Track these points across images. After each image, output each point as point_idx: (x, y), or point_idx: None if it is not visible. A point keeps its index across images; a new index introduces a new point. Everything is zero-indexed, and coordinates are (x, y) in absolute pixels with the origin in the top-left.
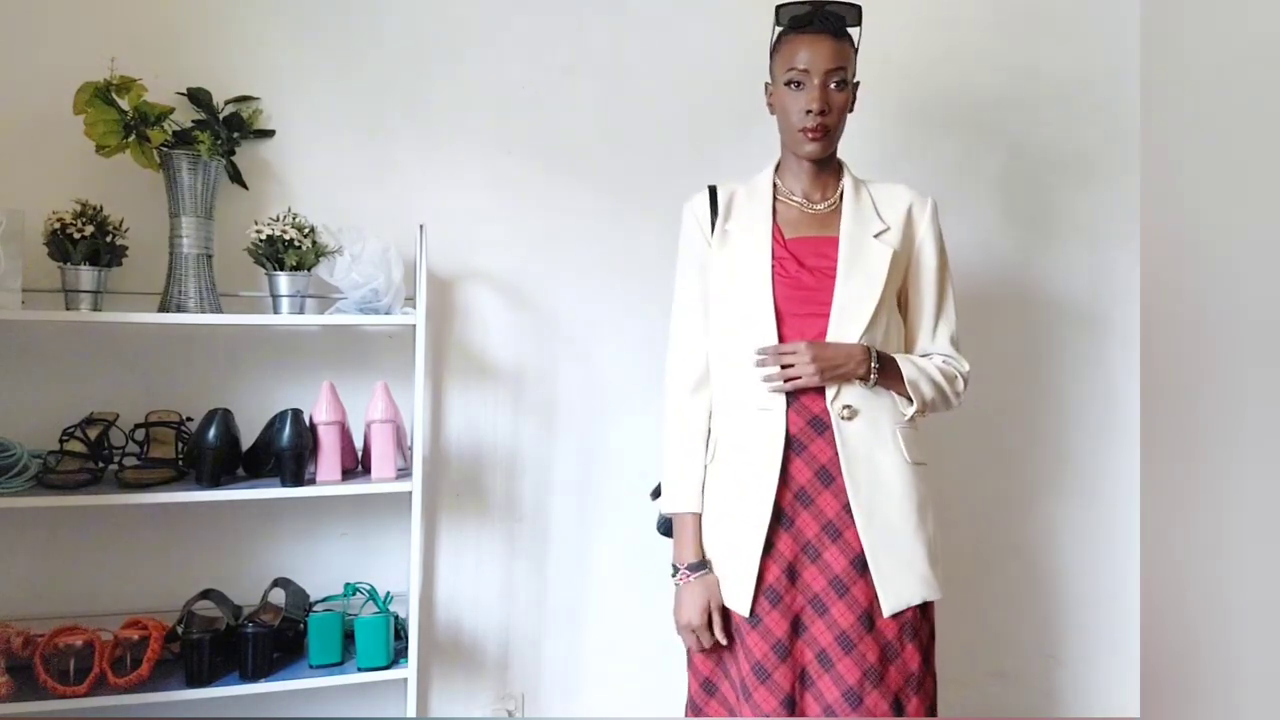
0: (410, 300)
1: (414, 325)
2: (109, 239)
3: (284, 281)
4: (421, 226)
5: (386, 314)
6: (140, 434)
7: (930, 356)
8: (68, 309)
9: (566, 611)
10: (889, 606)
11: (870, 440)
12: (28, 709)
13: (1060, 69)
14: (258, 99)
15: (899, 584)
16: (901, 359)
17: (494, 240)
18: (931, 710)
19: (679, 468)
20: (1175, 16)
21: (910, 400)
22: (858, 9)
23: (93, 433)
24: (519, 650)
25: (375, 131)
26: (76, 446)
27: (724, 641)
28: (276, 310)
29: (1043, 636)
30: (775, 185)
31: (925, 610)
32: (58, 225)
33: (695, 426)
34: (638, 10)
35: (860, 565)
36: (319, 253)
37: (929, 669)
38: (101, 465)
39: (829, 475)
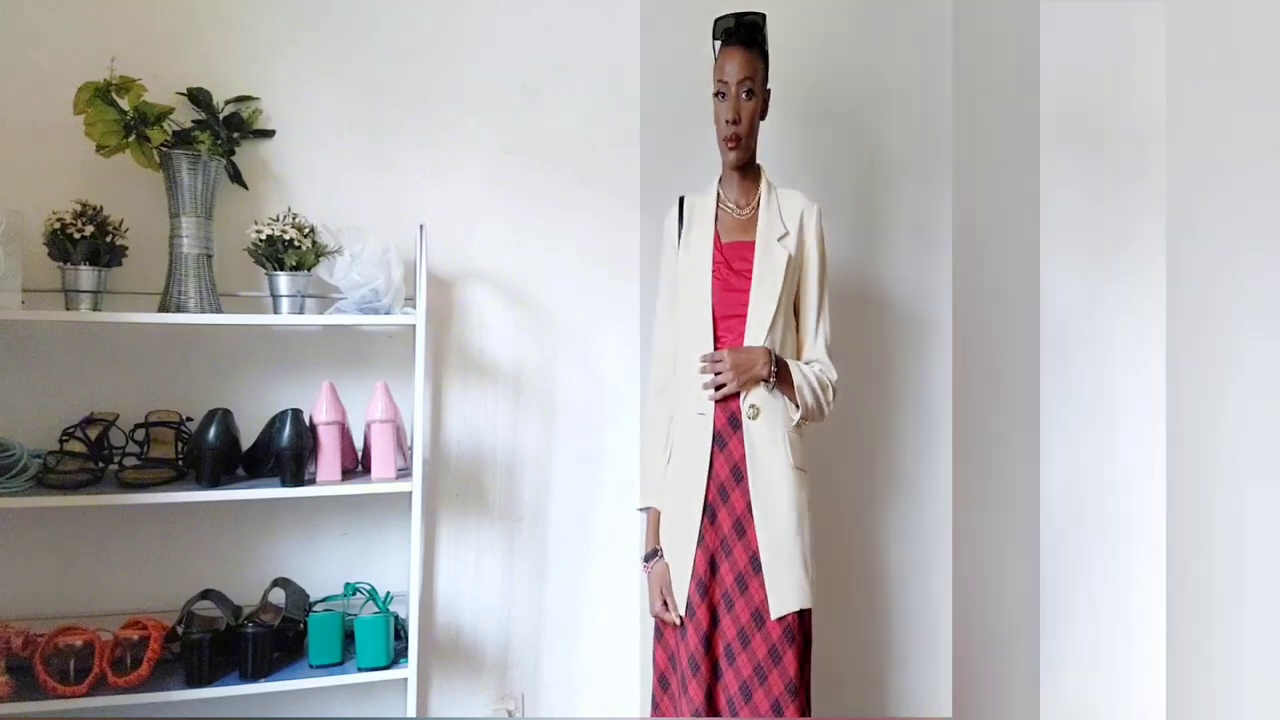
0: (410, 300)
1: (414, 325)
2: (109, 239)
3: (284, 281)
4: (421, 226)
5: (386, 314)
6: (140, 434)
7: (811, 364)
8: (68, 309)
9: (566, 611)
10: (775, 609)
11: (768, 442)
12: (28, 709)
13: (884, 73)
14: (258, 99)
15: (784, 588)
16: (792, 364)
17: (494, 240)
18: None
19: (644, 467)
20: (984, 26)
21: (797, 405)
22: (762, 17)
23: (93, 433)
24: (519, 650)
25: (375, 131)
26: (76, 446)
27: (676, 620)
28: (276, 310)
29: (872, 637)
30: (719, 194)
31: (803, 618)
32: (58, 225)
33: (656, 428)
34: (637, 10)
35: (756, 564)
36: (319, 253)
37: (804, 679)
38: (101, 465)
39: (740, 472)
